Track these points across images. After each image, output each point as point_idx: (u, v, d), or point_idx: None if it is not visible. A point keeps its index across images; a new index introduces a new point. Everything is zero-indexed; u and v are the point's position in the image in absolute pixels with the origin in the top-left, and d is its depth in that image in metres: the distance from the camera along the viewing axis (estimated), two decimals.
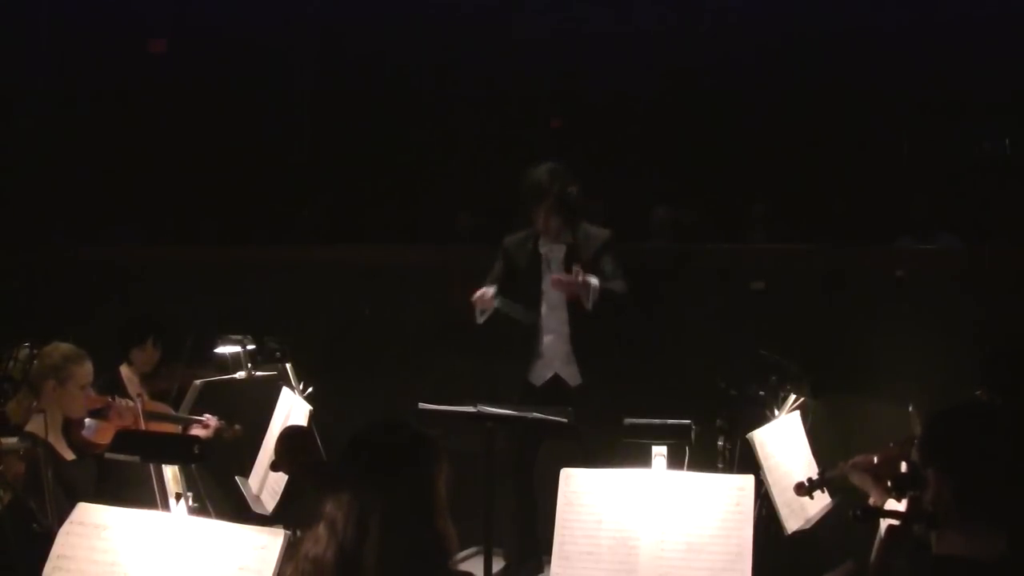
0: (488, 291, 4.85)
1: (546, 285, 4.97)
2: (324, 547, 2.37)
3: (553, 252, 4.99)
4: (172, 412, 4.94)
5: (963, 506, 2.21)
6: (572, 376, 4.97)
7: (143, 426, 4.49)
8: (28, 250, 7.23)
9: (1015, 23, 7.29)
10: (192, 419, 4.75)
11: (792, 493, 3.91)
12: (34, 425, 4.12)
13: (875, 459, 3.42)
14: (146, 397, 5.12)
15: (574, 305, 4.89)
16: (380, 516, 2.35)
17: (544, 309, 4.99)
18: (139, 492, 3.07)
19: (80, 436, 4.25)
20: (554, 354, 4.99)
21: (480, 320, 4.96)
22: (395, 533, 2.35)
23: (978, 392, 3.58)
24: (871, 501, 3.32)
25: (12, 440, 3.57)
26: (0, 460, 3.38)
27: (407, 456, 2.45)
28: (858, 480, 3.46)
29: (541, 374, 5.02)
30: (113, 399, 4.54)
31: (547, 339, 5.00)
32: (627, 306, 4.95)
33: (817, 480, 3.68)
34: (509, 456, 4.99)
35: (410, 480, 2.41)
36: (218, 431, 4.70)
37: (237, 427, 4.71)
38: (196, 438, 3.46)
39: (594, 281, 4.76)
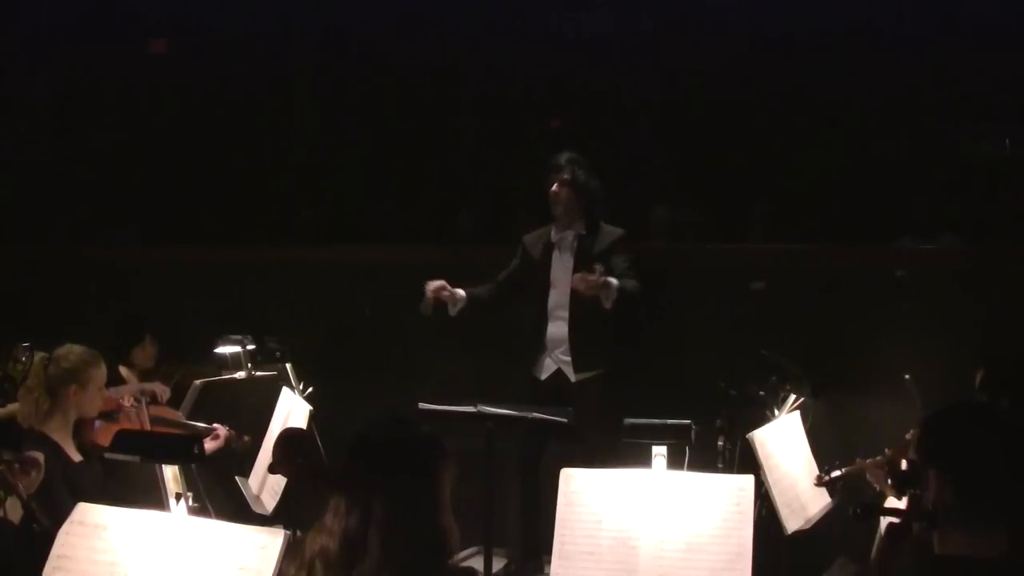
0: (433, 285, 5.08)
1: (555, 273, 5.08)
2: (328, 539, 2.38)
3: (565, 239, 5.12)
4: (182, 419, 4.91)
5: (964, 505, 2.21)
6: (570, 372, 5.02)
7: (148, 429, 4.48)
8: (28, 250, 7.22)
9: (1015, 23, 7.28)
10: (202, 427, 4.73)
11: (792, 493, 3.93)
12: (46, 427, 4.10)
13: (889, 454, 3.46)
14: (159, 387, 5.13)
15: (576, 296, 4.95)
16: (383, 512, 2.36)
17: (551, 298, 5.08)
18: (140, 492, 3.07)
19: (91, 437, 4.25)
20: (555, 345, 5.07)
21: (453, 313, 5.15)
22: (398, 529, 2.36)
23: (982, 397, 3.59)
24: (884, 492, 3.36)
25: (37, 453, 3.57)
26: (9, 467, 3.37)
27: (412, 454, 2.46)
28: (873, 476, 3.52)
29: (547, 368, 5.09)
30: (119, 401, 4.53)
31: (550, 329, 5.09)
32: (640, 304, 5.02)
33: (838, 475, 3.76)
34: (516, 454, 5.02)
35: (415, 477, 2.42)
36: (228, 441, 4.68)
37: (247, 438, 4.68)
38: (196, 438, 3.46)
39: (614, 281, 4.83)
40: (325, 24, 8.97)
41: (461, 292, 5.14)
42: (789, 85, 7.94)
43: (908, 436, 3.52)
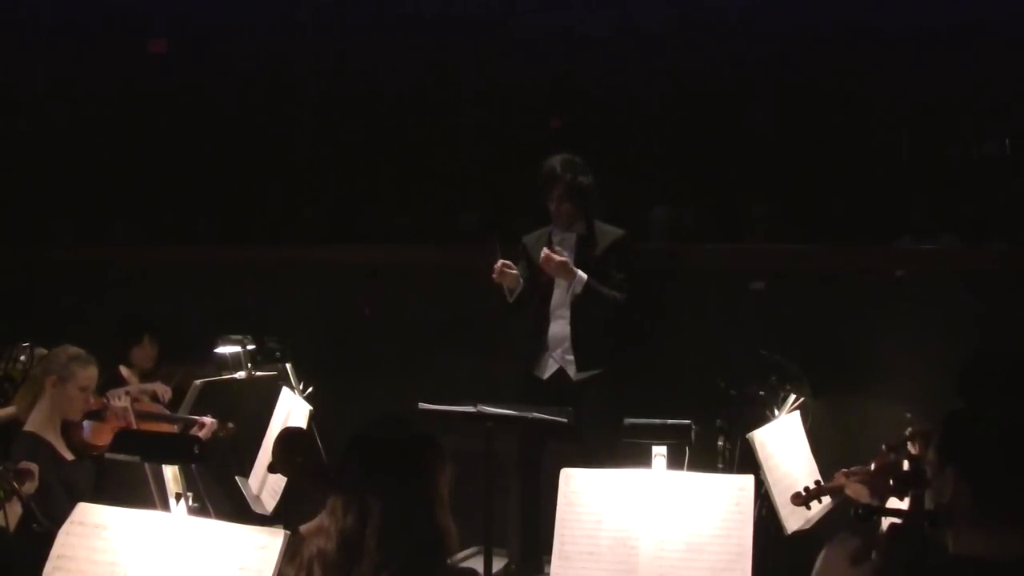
0: (500, 263, 5.03)
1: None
2: (326, 539, 2.38)
3: (565, 241, 5.15)
4: (167, 412, 4.94)
5: (983, 505, 2.20)
6: (572, 369, 5.03)
7: (136, 427, 4.49)
8: (28, 250, 7.22)
9: (1015, 24, 7.28)
10: (188, 418, 4.76)
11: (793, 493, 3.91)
12: (33, 424, 4.14)
13: (871, 469, 3.43)
14: (160, 387, 5.14)
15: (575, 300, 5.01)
16: (381, 512, 2.36)
17: (554, 297, 5.09)
18: (139, 492, 3.07)
19: (79, 437, 4.26)
20: (557, 344, 5.08)
21: (511, 299, 5.11)
22: (396, 529, 2.35)
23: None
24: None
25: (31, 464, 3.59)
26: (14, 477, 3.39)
27: (409, 453, 2.46)
28: (853, 491, 3.47)
29: (548, 367, 5.10)
30: (108, 400, 4.54)
31: (552, 328, 5.10)
32: (614, 316, 5.02)
33: (813, 491, 3.69)
34: (515, 454, 5.02)
35: (411, 477, 2.42)
36: (214, 431, 4.70)
37: (230, 425, 4.71)
38: (196, 438, 3.47)
39: (581, 274, 4.96)
40: (325, 24, 8.97)
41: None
42: (789, 85, 7.94)
43: (906, 433, 3.51)
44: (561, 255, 4.98)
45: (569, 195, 5.05)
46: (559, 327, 5.07)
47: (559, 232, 5.14)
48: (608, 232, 5.14)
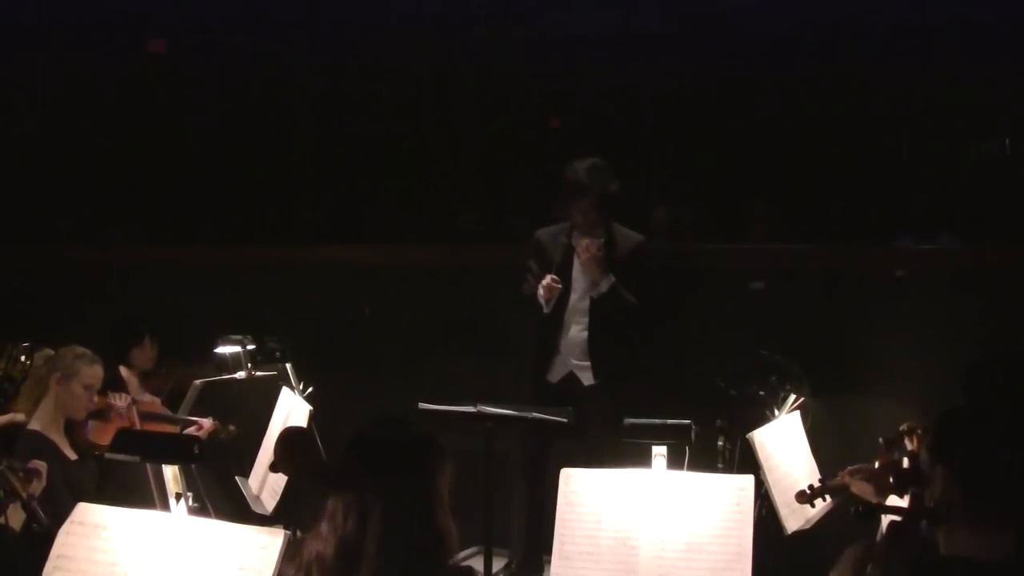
0: (549, 279, 4.91)
1: (575, 278, 5.01)
2: (325, 543, 2.38)
3: None
4: (169, 413, 4.94)
5: (972, 505, 2.20)
6: (586, 375, 4.99)
7: (139, 427, 4.49)
8: (28, 250, 7.23)
9: (1014, 24, 7.28)
10: (187, 420, 4.75)
11: (792, 493, 3.92)
12: (38, 422, 4.15)
13: (875, 467, 3.44)
14: (148, 397, 5.14)
15: (595, 302, 4.95)
16: (381, 513, 2.36)
17: (571, 301, 5.01)
18: (139, 492, 3.07)
19: (83, 436, 4.27)
20: (570, 350, 5.01)
21: (547, 310, 4.98)
22: (396, 530, 2.35)
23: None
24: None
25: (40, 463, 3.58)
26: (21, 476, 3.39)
27: (409, 453, 2.46)
28: (858, 489, 3.48)
29: (558, 371, 5.04)
30: (109, 401, 4.54)
31: (568, 333, 5.01)
32: (628, 321, 5.00)
33: (818, 488, 3.71)
34: (517, 455, 5.01)
35: (412, 477, 2.42)
36: (213, 433, 4.69)
37: (231, 427, 4.71)
38: (196, 438, 3.47)
39: (612, 277, 4.88)
40: (325, 24, 8.97)
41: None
42: (789, 85, 7.94)
43: (902, 428, 3.53)
44: (601, 250, 4.87)
45: (597, 205, 4.90)
46: (575, 332, 4.98)
47: (580, 237, 4.98)
48: (628, 237, 5.04)
